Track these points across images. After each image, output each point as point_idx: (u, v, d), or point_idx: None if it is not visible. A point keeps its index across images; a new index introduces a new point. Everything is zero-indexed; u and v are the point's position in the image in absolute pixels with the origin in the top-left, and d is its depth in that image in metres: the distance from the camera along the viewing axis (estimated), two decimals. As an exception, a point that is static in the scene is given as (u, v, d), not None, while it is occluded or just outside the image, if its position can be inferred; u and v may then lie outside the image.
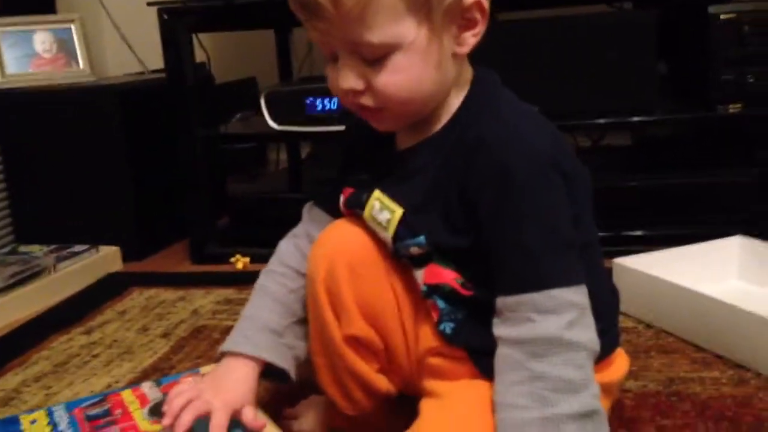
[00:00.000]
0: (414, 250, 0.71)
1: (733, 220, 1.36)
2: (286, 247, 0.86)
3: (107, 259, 1.61)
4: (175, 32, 1.56)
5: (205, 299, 1.39)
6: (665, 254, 1.19)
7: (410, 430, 0.69)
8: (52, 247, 1.56)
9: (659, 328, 1.10)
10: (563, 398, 0.60)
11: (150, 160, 1.72)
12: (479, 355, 0.71)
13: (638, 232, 1.45)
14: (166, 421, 0.71)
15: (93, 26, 2.11)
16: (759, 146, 1.53)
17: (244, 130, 1.73)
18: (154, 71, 2.03)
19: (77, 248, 1.56)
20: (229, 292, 1.42)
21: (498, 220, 0.65)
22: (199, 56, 1.83)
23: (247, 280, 1.46)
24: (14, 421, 0.84)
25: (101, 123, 1.64)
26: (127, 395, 0.88)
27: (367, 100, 0.67)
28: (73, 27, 1.83)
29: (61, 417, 0.84)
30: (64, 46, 1.82)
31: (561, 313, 0.62)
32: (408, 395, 0.79)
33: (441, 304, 0.72)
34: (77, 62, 1.83)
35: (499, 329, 0.65)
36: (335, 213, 0.83)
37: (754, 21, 1.36)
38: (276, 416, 0.85)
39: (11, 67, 1.75)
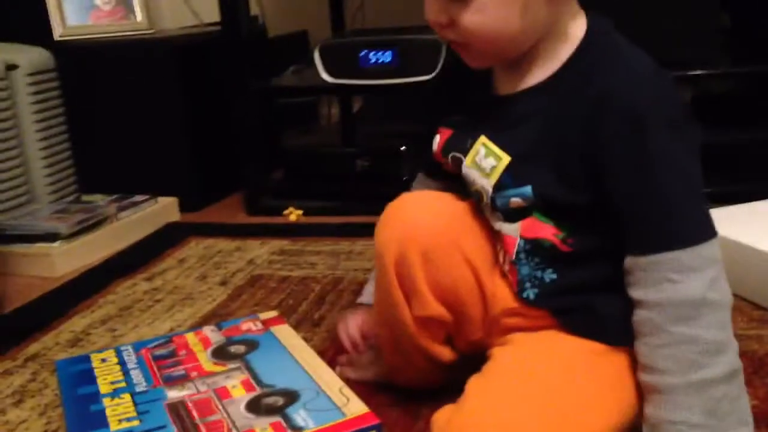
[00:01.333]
0: (514, 201, 0.70)
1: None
2: None
3: (166, 209, 1.66)
4: (230, -15, 1.57)
5: (260, 249, 1.43)
6: (727, 211, 1.17)
7: (481, 374, 0.69)
8: (114, 197, 1.61)
9: (716, 286, 1.09)
10: (710, 361, 0.59)
11: (206, 113, 1.74)
12: (565, 313, 0.71)
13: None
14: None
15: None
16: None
17: (297, 83, 1.74)
18: (208, 24, 2.05)
19: (137, 198, 1.61)
20: (283, 243, 1.44)
21: (632, 173, 0.62)
22: (254, 9, 1.84)
23: (300, 232, 1.50)
24: (86, 360, 0.89)
25: (158, 76, 1.67)
26: (191, 338, 0.92)
27: (452, 35, 0.68)
28: (130, -20, 1.85)
29: (130, 356, 0.88)
30: (122, -2, 1.85)
31: (703, 271, 0.60)
32: (470, 355, 0.79)
33: (523, 270, 0.71)
34: (135, 15, 1.86)
35: (636, 292, 0.63)
36: (432, 169, 0.84)
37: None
38: (332, 363, 0.88)
39: (71, 19, 1.79)
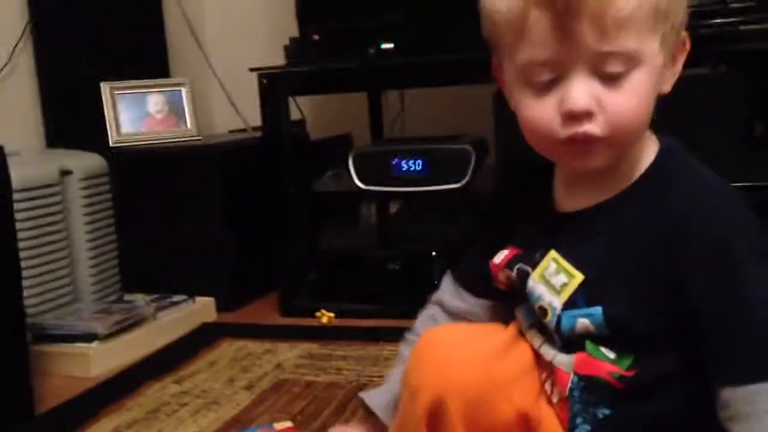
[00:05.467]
0: (581, 323, 0.66)
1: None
2: (420, 316, 0.88)
3: (202, 309, 1.70)
4: (273, 96, 1.67)
5: (289, 353, 1.44)
6: None
7: None
8: (154, 296, 1.66)
9: None
10: None
11: (247, 216, 1.81)
12: None
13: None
14: None
15: (202, 85, 2.27)
16: None
17: (333, 188, 1.79)
18: (255, 128, 2.15)
19: (176, 298, 1.66)
20: (313, 347, 1.46)
21: (722, 301, 0.60)
22: (297, 114, 1.93)
23: (331, 335, 1.52)
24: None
25: (202, 179, 1.76)
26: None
27: (593, 127, 0.62)
28: (183, 90, 1.97)
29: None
30: (175, 107, 1.96)
31: None
32: None
33: (575, 406, 0.68)
34: (185, 122, 1.96)
35: (739, 426, 0.59)
36: (472, 284, 0.83)
37: None
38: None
39: (125, 127, 1.90)
